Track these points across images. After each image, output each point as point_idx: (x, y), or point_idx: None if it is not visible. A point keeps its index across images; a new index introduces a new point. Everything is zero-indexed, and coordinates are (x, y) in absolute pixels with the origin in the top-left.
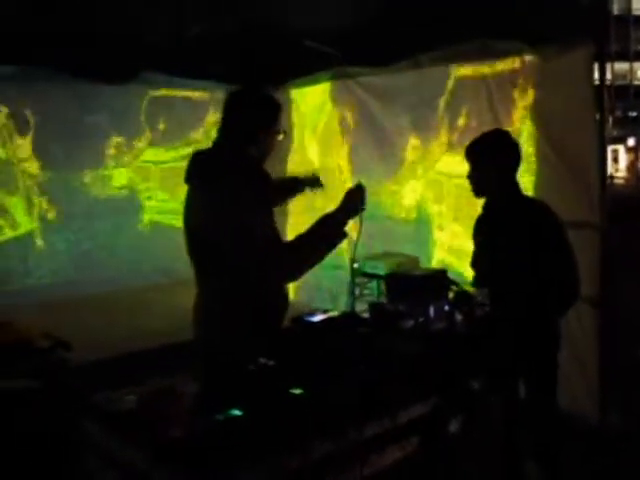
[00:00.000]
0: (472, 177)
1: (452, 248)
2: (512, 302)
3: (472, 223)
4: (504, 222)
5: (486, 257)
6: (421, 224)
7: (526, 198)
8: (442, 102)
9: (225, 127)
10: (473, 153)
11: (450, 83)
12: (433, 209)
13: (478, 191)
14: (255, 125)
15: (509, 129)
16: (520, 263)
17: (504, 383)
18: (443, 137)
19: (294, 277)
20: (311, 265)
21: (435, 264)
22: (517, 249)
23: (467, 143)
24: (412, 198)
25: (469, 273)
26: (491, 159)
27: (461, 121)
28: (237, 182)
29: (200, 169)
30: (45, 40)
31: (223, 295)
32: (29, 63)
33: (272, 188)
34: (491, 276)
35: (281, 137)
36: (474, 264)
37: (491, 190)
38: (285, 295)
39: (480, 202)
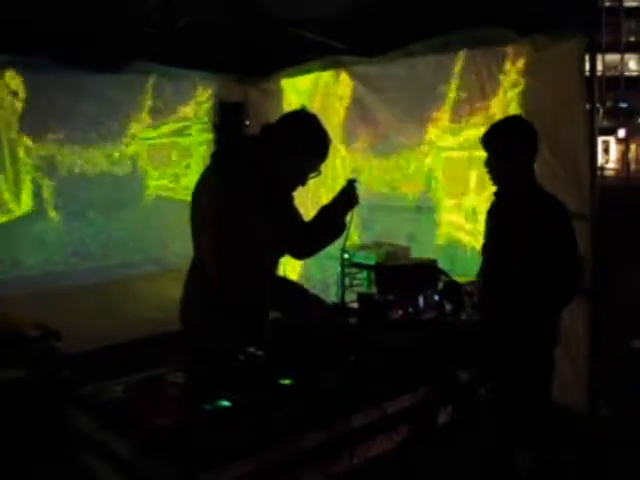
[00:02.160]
0: (490, 165)
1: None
2: (511, 294)
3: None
4: (515, 211)
5: (493, 245)
6: (422, 209)
7: (540, 190)
8: (434, 89)
9: (274, 137)
10: (490, 141)
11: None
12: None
13: (496, 179)
14: (300, 152)
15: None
16: (524, 255)
17: (493, 374)
18: (437, 123)
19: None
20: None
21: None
22: (523, 240)
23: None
24: (411, 183)
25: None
26: (508, 147)
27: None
28: (253, 189)
29: (228, 163)
30: (41, 30)
31: (208, 284)
32: (24, 52)
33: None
34: (495, 265)
35: (315, 175)
36: (483, 251)
37: (507, 178)
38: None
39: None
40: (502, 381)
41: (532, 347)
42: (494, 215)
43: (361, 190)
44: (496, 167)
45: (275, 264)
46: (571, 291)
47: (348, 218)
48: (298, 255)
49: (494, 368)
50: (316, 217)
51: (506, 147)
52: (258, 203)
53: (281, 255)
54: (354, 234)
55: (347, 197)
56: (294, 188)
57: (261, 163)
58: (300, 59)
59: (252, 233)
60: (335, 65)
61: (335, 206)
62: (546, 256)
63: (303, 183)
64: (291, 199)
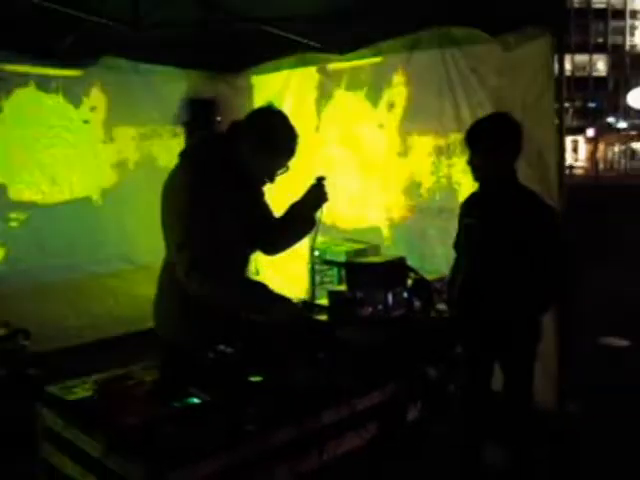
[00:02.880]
0: (472, 163)
1: None
2: (504, 291)
3: None
4: (498, 209)
5: (471, 240)
6: None
7: (523, 187)
8: (403, 86)
9: (244, 132)
10: (472, 138)
11: (410, 68)
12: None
13: (478, 177)
14: (269, 147)
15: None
16: (511, 253)
17: (462, 370)
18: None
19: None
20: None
21: None
22: (510, 238)
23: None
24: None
25: None
26: (491, 144)
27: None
28: (221, 180)
29: (197, 155)
30: (8, 23)
31: (179, 282)
32: None
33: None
34: (475, 262)
35: (283, 171)
36: (456, 246)
37: (489, 175)
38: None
39: None
40: (481, 375)
41: (523, 343)
42: (475, 213)
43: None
44: (480, 165)
45: (244, 263)
46: (562, 287)
47: (318, 215)
48: (268, 252)
49: (469, 362)
50: (285, 214)
51: (491, 145)
52: (227, 201)
53: (251, 253)
54: None
55: (316, 195)
56: (262, 185)
57: (229, 161)
58: (270, 56)
59: (220, 233)
60: (305, 62)
61: (304, 203)
62: (539, 253)
63: (272, 180)
64: (261, 195)
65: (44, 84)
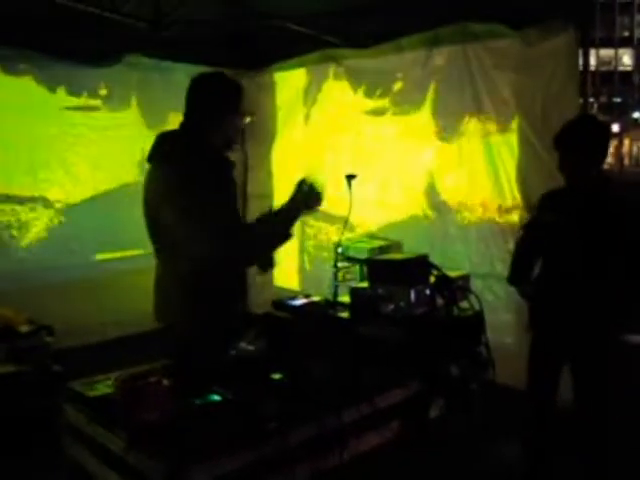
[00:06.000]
0: (562, 165)
1: None
2: (586, 289)
3: None
4: (591, 209)
5: (558, 238)
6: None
7: (612, 187)
8: (425, 84)
9: (188, 111)
10: (562, 142)
11: (433, 65)
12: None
13: (569, 179)
14: (217, 109)
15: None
16: (604, 253)
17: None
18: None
19: (248, 261)
20: (260, 255)
21: None
22: (604, 239)
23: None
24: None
25: None
26: (581, 147)
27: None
28: (195, 165)
29: (162, 150)
30: (30, 23)
31: (179, 278)
32: (13, 45)
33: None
34: (560, 260)
35: (247, 120)
36: (525, 241)
37: (579, 177)
38: (243, 278)
39: None
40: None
41: (603, 350)
42: (563, 211)
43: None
44: (572, 166)
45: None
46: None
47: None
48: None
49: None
50: (267, 215)
51: (582, 147)
52: (206, 183)
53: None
54: None
55: (306, 195)
56: (230, 146)
57: (196, 142)
58: (293, 53)
59: (229, 203)
60: (327, 59)
61: (291, 203)
62: (634, 255)
63: (235, 138)
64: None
65: (69, 84)
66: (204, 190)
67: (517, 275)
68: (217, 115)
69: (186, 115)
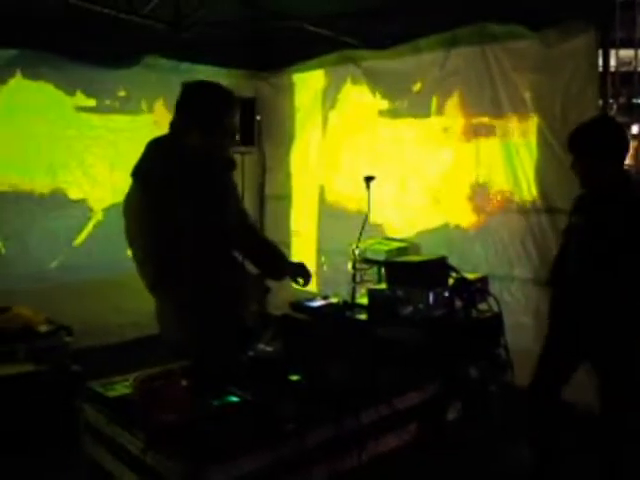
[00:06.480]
0: (576, 167)
1: None
2: (601, 289)
3: None
4: (606, 211)
5: (575, 241)
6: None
7: (632, 189)
8: (443, 85)
9: (179, 119)
10: (575, 143)
11: (451, 66)
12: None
13: (583, 181)
14: (208, 117)
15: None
16: (617, 256)
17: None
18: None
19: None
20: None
21: None
22: (617, 242)
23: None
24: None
25: None
26: (593, 149)
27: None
28: (172, 186)
29: (144, 168)
30: (48, 26)
31: (180, 299)
32: (30, 47)
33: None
34: (577, 263)
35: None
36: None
37: (592, 178)
38: (260, 279)
39: None
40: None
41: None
42: (583, 213)
43: None
44: (585, 168)
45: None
46: None
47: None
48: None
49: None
50: (274, 251)
51: (593, 149)
52: (195, 203)
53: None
54: None
55: (299, 272)
56: (225, 149)
57: (190, 151)
58: (311, 54)
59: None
60: (345, 60)
61: (286, 270)
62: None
63: (231, 142)
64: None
65: (87, 86)
66: (199, 206)
67: (553, 277)
68: (208, 123)
69: (174, 124)
